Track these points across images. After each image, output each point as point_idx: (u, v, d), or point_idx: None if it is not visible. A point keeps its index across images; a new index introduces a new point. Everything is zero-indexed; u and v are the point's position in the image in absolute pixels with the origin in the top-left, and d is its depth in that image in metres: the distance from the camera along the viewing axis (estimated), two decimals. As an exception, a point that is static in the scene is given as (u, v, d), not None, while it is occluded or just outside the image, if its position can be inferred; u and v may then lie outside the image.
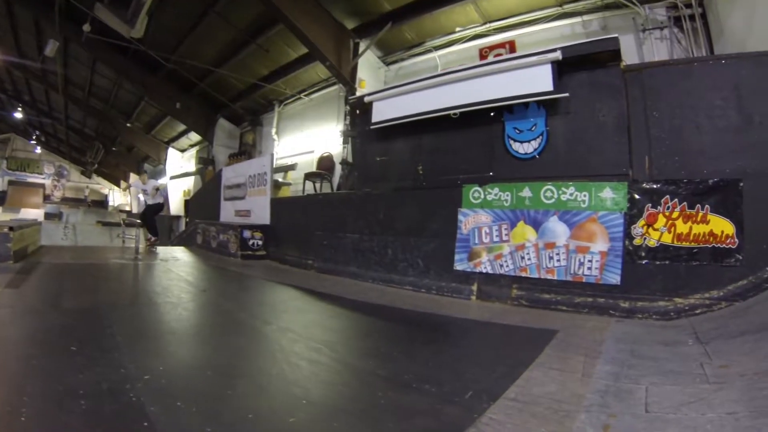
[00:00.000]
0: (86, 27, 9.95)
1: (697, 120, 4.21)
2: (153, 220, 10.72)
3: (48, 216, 26.76)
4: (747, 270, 3.82)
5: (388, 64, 10.28)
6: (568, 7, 7.81)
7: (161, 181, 16.62)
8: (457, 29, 8.88)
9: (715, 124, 4.13)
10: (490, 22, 8.50)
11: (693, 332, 3.41)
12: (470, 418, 2.03)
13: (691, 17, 6.81)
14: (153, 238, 10.62)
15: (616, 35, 4.79)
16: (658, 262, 4.16)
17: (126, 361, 2.59)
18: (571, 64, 4.91)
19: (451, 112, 5.62)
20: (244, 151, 14.59)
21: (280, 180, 11.22)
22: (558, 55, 4.89)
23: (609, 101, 4.68)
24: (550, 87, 4.89)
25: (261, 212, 9.81)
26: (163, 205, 11.59)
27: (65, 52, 14.29)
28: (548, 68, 4.93)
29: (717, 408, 2.05)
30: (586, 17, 7.71)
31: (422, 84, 6.14)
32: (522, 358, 2.88)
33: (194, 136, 17.98)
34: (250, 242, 9.16)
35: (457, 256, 5.36)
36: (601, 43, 4.86)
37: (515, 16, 8.26)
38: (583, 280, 4.42)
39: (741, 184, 3.89)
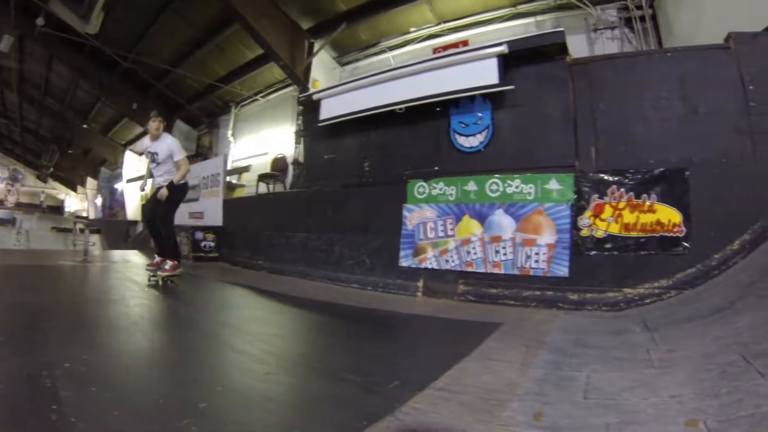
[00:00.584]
0: (40, 20, 9.38)
1: (643, 111, 4.21)
2: (171, 224, 5.32)
3: (0, 222, 25.37)
4: (695, 258, 3.78)
5: (343, 64, 10.11)
6: (522, 8, 7.86)
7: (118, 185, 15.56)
8: (412, 29, 8.82)
9: (661, 115, 4.13)
10: (445, 22, 8.46)
11: (641, 321, 3.31)
12: (390, 407, 1.85)
13: (642, 18, 6.95)
14: (172, 263, 5.10)
15: (561, 29, 4.79)
16: (606, 253, 4.07)
17: (52, 352, 2.42)
18: (518, 58, 4.87)
19: (397, 107, 5.51)
20: (201, 154, 14.08)
21: (235, 182, 10.85)
22: (504, 48, 4.86)
23: (555, 94, 4.64)
24: (495, 80, 4.82)
25: (214, 214, 9.51)
26: (186, 190, 5.54)
27: (20, 48, 13.50)
28: (494, 62, 4.88)
29: (661, 392, 1.92)
30: (539, 17, 7.76)
31: (369, 80, 6.05)
32: (459, 350, 2.69)
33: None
34: (202, 244, 8.82)
35: (402, 253, 5.20)
36: (548, 37, 4.87)
37: (469, 17, 8.24)
38: (531, 274, 4.31)
39: (687, 173, 3.85)
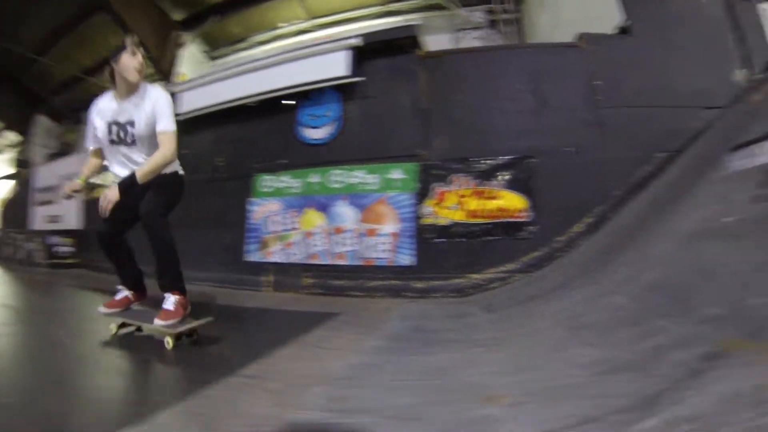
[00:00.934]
0: None
1: (497, 103, 4.28)
2: (168, 229, 2.60)
3: None
4: (540, 241, 3.89)
5: (213, 58, 9.58)
6: (393, 6, 7.96)
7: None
8: (282, 24, 8.53)
9: (514, 107, 4.22)
10: (315, 18, 8.33)
11: (487, 304, 3.30)
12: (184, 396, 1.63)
13: (508, 21, 7.37)
14: (178, 298, 2.48)
15: (415, 23, 4.79)
16: (451, 240, 4.07)
17: None
18: (372, 51, 4.80)
19: (249, 100, 5.25)
20: (65, 152, 12.28)
21: (96, 181, 9.50)
22: (357, 41, 4.78)
23: (406, 85, 4.61)
24: (345, 72, 4.72)
25: (72, 216, 8.45)
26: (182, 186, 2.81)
27: None
28: (346, 54, 4.77)
29: (482, 367, 1.85)
30: (408, 16, 7.89)
31: (226, 73, 5.73)
32: (284, 339, 2.46)
33: (12, 136, 14.68)
34: (58, 249, 7.92)
35: (249, 247, 4.89)
36: (401, 30, 4.89)
37: (340, 13, 8.19)
38: (375, 264, 4.20)
39: (533, 161, 3.97)
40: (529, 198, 3.91)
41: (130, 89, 2.52)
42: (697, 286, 1.85)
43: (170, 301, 2.44)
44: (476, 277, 3.88)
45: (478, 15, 7.33)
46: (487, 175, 4.00)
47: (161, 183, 2.56)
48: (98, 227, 2.70)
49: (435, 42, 7.14)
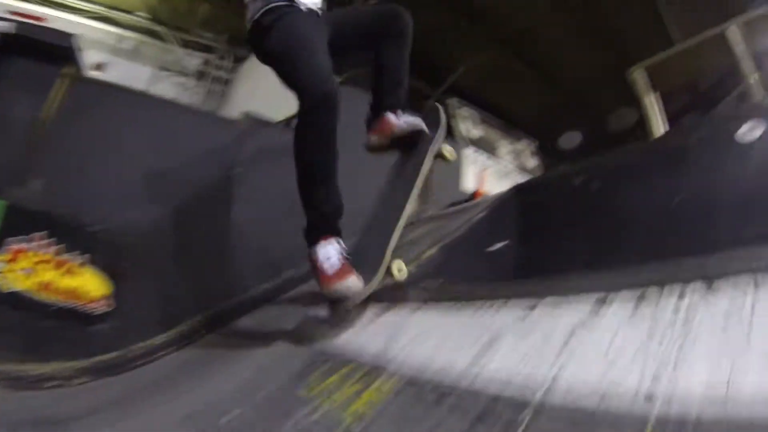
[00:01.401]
0: None
1: (112, 156, 3.54)
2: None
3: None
4: (118, 341, 3.12)
5: None
6: (114, 14, 6.91)
7: None
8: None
9: (129, 167, 3.53)
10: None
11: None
12: None
13: (217, 79, 6.96)
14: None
15: (73, 33, 3.97)
16: (15, 312, 3.04)
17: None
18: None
19: None
20: None
21: None
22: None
23: (29, 99, 3.52)
24: None
25: None
26: None
27: None
28: None
29: None
30: (126, 32, 6.97)
31: None
32: None
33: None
34: None
35: None
36: (55, 34, 4.02)
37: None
38: None
39: (131, 239, 3.28)
40: (116, 284, 3.20)
41: None
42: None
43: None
44: (34, 368, 2.90)
45: (193, 61, 6.86)
46: (75, 244, 3.16)
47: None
48: None
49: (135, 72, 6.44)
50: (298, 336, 2.18)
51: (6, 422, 2.24)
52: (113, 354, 3.10)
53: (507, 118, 8.24)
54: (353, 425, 1.10)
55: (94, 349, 3.08)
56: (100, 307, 3.14)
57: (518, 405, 0.89)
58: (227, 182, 3.79)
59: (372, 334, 1.60)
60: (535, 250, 3.25)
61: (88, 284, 3.13)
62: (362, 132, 2.92)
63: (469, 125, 7.44)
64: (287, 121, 4.36)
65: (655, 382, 0.80)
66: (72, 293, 3.09)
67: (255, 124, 4.14)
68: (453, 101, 7.61)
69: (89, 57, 5.42)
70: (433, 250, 2.82)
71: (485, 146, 7.53)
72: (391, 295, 2.05)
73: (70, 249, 3.15)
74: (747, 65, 3.24)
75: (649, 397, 0.76)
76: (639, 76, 3.94)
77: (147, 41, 6.81)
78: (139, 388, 2.46)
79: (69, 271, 3.11)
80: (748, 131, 2.26)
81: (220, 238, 3.62)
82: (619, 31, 7.16)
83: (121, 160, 3.48)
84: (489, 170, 6.81)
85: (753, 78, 3.23)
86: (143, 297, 3.27)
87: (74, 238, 3.19)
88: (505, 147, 7.98)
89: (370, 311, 1.86)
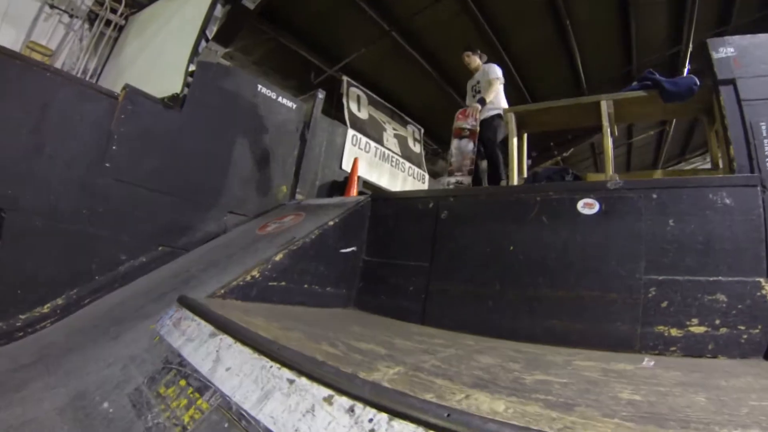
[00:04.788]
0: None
1: None
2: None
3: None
4: None
5: None
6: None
7: None
8: None
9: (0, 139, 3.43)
10: None
11: None
12: None
13: (110, 23, 6.52)
14: None
15: None
16: None
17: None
18: None
19: None
20: None
21: None
22: None
23: None
24: None
25: None
26: None
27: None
28: None
29: None
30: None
31: None
32: None
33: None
34: None
35: None
36: None
37: None
38: None
39: (3, 215, 3.33)
40: (-10, 259, 3.25)
41: None
42: None
43: None
44: None
45: (84, 0, 6.31)
46: None
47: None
48: None
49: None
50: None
51: None
52: (-6, 326, 3.27)
53: (396, 104, 8.82)
54: (178, 429, 1.65)
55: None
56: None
57: None
58: (102, 158, 3.90)
59: (204, 352, 2.08)
60: (380, 260, 3.93)
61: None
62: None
63: (357, 105, 7.86)
64: (169, 100, 4.44)
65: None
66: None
67: (136, 99, 4.16)
68: (345, 80, 7.95)
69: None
70: (280, 256, 3.30)
71: (372, 128, 8.01)
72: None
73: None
74: (607, 138, 3.83)
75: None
76: (509, 119, 4.49)
77: None
78: (24, 364, 2.71)
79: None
80: (586, 206, 3.03)
81: (90, 216, 3.79)
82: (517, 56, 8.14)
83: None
84: (362, 155, 7.34)
85: (608, 152, 3.79)
86: (19, 272, 3.41)
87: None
88: (390, 131, 8.54)
89: (213, 341, 2.26)
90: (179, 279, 3.53)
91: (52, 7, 6.10)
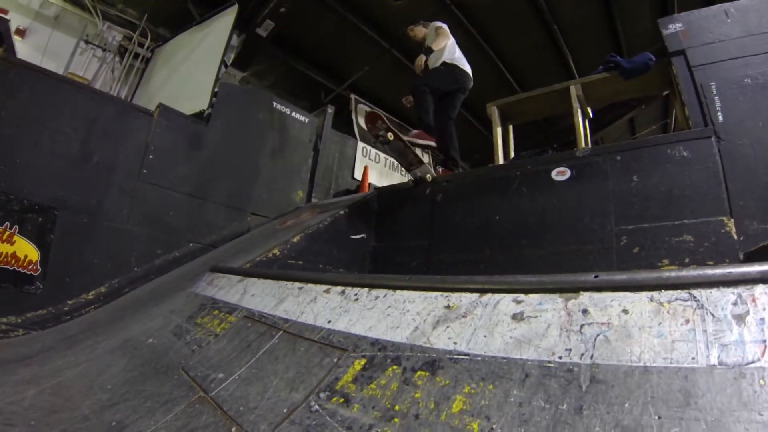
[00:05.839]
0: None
1: (38, 137, 4.00)
2: None
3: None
4: (47, 300, 3.79)
5: None
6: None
7: None
8: None
9: (55, 150, 4.05)
10: None
11: None
12: None
13: (138, 56, 7.27)
14: None
15: (9, 17, 4.26)
16: None
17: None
18: None
19: None
20: None
21: None
22: None
23: None
24: None
25: None
26: None
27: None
28: None
29: None
30: (50, -1, 6.92)
31: None
32: None
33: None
34: None
35: None
36: None
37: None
38: None
39: (56, 213, 3.91)
40: (43, 251, 3.82)
41: None
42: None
43: None
44: None
45: (114, 35, 7.10)
46: (9, 215, 3.72)
47: None
48: None
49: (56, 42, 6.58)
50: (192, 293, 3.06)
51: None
52: (43, 311, 3.78)
53: (401, 116, 9.32)
54: (212, 337, 2.09)
55: (26, 307, 3.74)
56: (30, 271, 3.77)
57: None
58: (140, 166, 4.47)
59: (233, 292, 2.54)
60: (387, 244, 4.32)
61: (20, 251, 3.74)
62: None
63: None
64: (197, 115, 5.03)
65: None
66: (6, 258, 3.69)
67: (169, 115, 4.75)
68: (353, 97, 8.52)
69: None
70: (297, 238, 3.74)
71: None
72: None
73: (0, 221, 3.72)
74: (578, 117, 4.24)
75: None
76: (492, 111, 4.94)
77: (70, 10, 6.86)
78: (73, 334, 3.18)
79: (3, 239, 3.69)
80: (559, 174, 3.41)
81: (129, 215, 4.34)
82: (510, 63, 8.63)
83: (47, 142, 4.02)
84: (372, 165, 7.80)
85: (579, 129, 4.23)
86: (68, 263, 3.93)
87: (4, 210, 3.76)
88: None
89: (241, 283, 2.72)
90: (210, 264, 4.00)
91: (86, 42, 6.89)
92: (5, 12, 5.68)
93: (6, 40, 4.22)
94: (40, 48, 6.49)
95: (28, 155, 3.94)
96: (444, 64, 4.66)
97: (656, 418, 0.80)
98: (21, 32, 6.34)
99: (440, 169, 5.05)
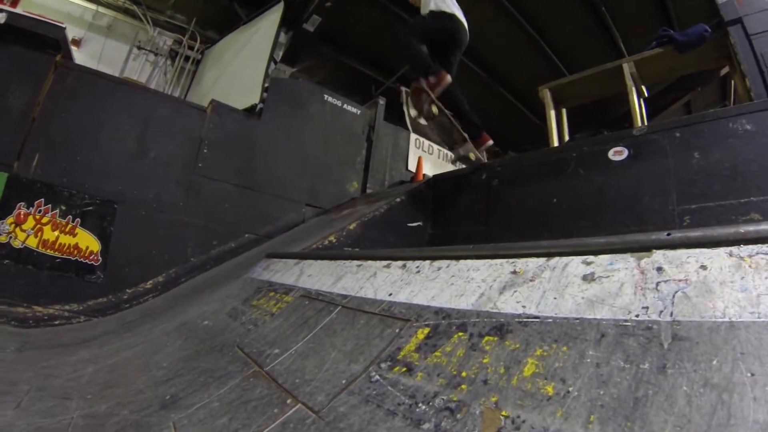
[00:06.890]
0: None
1: (99, 136, 4.17)
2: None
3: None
4: (108, 288, 3.90)
5: None
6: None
7: None
8: None
9: (114, 147, 4.19)
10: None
11: (26, 341, 3.00)
12: None
13: (188, 59, 7.46)
14: None
15: (64, 25, 4.41)
16: (20, 266, 3.72)
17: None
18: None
19: None
20: None
21: None
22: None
23: (23, 86, 4.08)
24: None
25: None
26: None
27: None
28: None
29: None
30: (102, 9, 7.25)
31: None
32: None
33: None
34: None
35: None
36: (47, 26, 4.32)
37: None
38: None
39: (116, 206, 4.01)
40: (104, 242, 3.93)
41: None
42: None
43: None
44: (40, 310, 3.59)
45: (165, 40, 7.34)
46: (69, 208, 3.86)
47: None
48: None
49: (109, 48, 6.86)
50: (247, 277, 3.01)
51: (14, 347, 2.97)
52: (104, 299, 3.89)
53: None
54: (267, 316, 1.99)
55: (88, 295, 3.87)
56: (92, 261, 3.87)
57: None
58: (195, 160, 4.52)
59: (289, 275, 2.45)
60: (443, 231, 4.16)
61: (83, 242, 3.85)
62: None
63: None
64: (249, 110, 5.06)
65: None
66: (71, 249, 3.81)
67: (222, 110, 4.80)
68: (403, 90, 8.39)
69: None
70: (353, 225, 3.63)
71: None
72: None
73: (63, 214, 3.85)
74: (633, 96, 3.95)
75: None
76: (545, 94, 4.73)
77: (122, 19, 7.19)
78: (131, 320, 3.23)
79: (66, 231, 3.81)
80: (616, 154, 3.17)
81: (185, 208, 4.40)
82: (558, 49, 8.28)
83: (104, 139, 4.16)
84: (426, 157, 7.64)
85: (634, 108, 3.95)
86: (127, 253, 4.02)
87: (67, 205, 3.90)
88: (449, 135, 8.80)
89: (297, 266, 2.65)
90: (266, 252, 3.97)
91: (139, 48, 7.15)
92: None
93: (63, 47, 4.35)
94: (95, 56, 6.80)
95: (88, 153, 4.08)
96: (431, 12, 4.02)
97: (749, 375, 0.74)
98: (77, 42, 6.65)
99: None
